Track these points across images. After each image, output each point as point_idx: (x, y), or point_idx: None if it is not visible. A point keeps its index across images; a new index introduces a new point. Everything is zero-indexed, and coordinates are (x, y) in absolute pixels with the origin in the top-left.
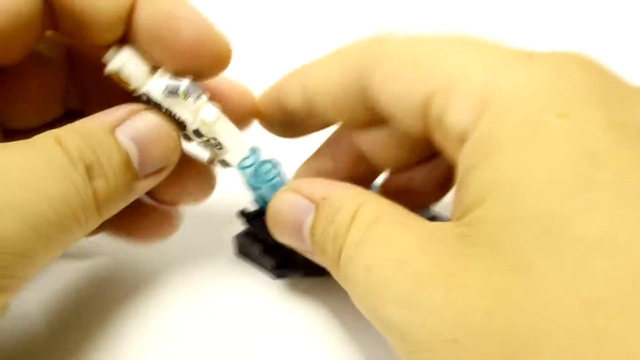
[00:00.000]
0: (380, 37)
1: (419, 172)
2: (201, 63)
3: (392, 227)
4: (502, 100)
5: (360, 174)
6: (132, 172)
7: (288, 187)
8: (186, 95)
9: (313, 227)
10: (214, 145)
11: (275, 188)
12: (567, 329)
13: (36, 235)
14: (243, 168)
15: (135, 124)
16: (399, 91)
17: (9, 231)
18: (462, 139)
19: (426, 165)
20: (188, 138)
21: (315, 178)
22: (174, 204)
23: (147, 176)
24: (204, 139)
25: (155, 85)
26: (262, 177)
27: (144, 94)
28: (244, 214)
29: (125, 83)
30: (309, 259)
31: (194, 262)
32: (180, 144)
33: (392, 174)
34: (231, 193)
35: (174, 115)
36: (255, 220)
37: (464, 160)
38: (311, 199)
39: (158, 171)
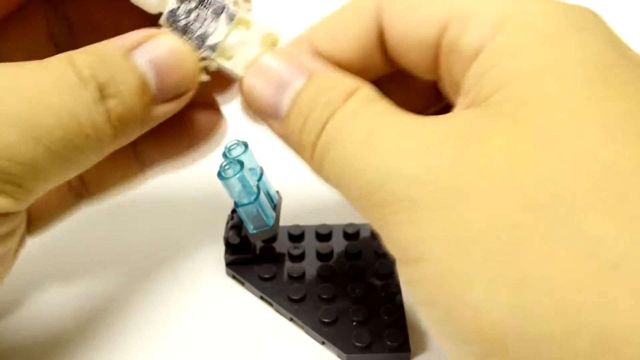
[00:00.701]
0: None
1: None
2: None
3: (395, 108)
4: (522, 19)
5: None
6: (149, 96)
7: (280, 50)
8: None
9: (300, 92)
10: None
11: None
12: (589, 189)
13: (41, 147)
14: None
15: (153, 47)
16: (415, 20)
17: (9, 140)
18: (476, 55)
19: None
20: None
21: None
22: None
23: (166, 101)
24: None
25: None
26: (248, 189)
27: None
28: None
29: None
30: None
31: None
32: (196, 62)
33: None
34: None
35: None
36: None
37: (475, 68)
38: (305, 68)
39: (178, 96)
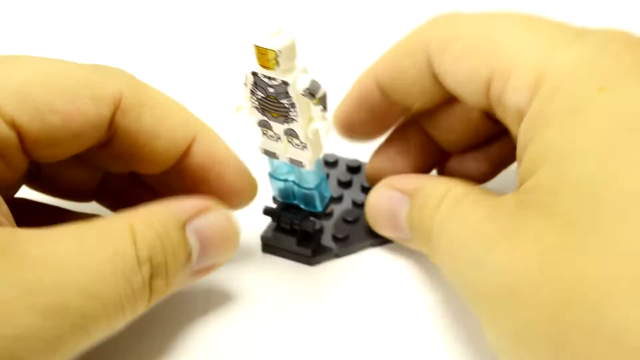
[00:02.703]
0: (443, 20)
1: (470, 159)
2: (236, 200)
3: (470, 205)
4: (552, 80)
5: (428, 157)
6: (190, 269)
7: (383, 183)
8: (319, 102)
9: (409, 215)
10: (299, 146)
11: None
12: (610, 276)
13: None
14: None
15: (205, 221)
16: (463, 74)
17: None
18: (520, 117)
19: (477, 154)
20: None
21: (405, 174)
22: None
23: (199, 271)
24: (297, 140)
25: (303, 78)
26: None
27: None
28: (270, 212)
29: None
30: (340, 240)
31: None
32: (238, 241)
33: (453, 157)
34: None
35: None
36: (284, 214)
37: (521, 137)
38: (405, 192)
39: (214, 267)
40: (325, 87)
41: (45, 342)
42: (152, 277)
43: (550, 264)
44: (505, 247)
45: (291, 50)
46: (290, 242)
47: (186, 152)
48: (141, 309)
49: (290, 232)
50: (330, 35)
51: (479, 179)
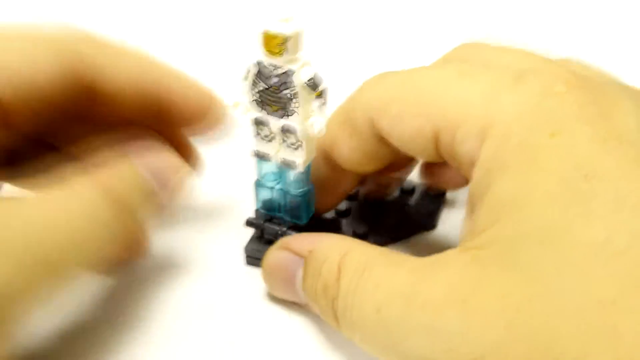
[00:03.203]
0: (375, 83)
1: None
2: (203, 122)
3: (387, 269)
4: (501, 126)
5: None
6: (154, 203)
7: (279, 245)
8: (319, 95)
9: (303, 281)
10: (292, 145)
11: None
12: (585, 331)
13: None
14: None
15: (153, 158)
16: (408, 134)
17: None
18: (472, 164)
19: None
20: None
21: (303, 233)
22: None
23: (162, 204)
24: (292, 138)
25: (307, 69)
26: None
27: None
28: (253, 223)
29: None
30: None
31: (204, 278)
32: (187, 169)
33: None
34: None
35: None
36: (267, 225)
37: (473, 187)
38: (300, 254)
39: (170, 197)
40: (326, 83)
41: (18, 288)
42: (120, 214)
43: (519, 323)
44: (460, 311)
45: (298, 38)
46: None
47: (143, 90)
48: (115, 248)
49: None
50: (330, 41)
51: (452, 186)
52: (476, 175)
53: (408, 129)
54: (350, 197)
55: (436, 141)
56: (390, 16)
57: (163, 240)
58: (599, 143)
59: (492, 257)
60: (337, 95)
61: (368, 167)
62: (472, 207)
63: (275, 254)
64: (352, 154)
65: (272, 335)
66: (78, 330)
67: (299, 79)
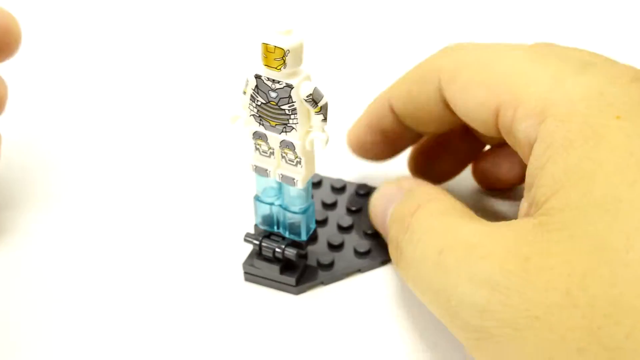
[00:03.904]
0: (452, 49)
1: (504, 162)
2: None
3: (458, 219)
4: (563, 107)
5: (467, 147)
6: None
7: (391, 181)
8: (319, 111)
9: (394, 208)
10: (292, 161)
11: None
12: None
13: None
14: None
15: None
16: (472, 103)
17: None
18: (530, 145)
19: (511, 158)
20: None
21: (414, 178)
22: None
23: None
24: (291, 155)
25: (307, 84)
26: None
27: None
28: (252, 239)
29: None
30: (325, 267)
31: (203, 296)
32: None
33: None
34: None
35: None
36: (266, 241)
37: (533, 161)
38: (403, 188)
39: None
40: (327, 98)
41: None
42: None
43: (579, 289)
44: (519, 267)
45: (299, 51)
46: (273, 270)
47: None
48: None
49: (273, 260)
50: (332, 49)
51: (504, 183)
52: (536, 150)
53: (472, 98)
54: (318, 223)
55: (497, 115)
56: (392, 22)
57: (161, 255)
58: None
59: (558, 222)
60: (337, 108)
61: (426, 127)
62: (530, 183)
63: (385, 186)
64: (416, 112)
65: (271, 352)
66: (75, 344)
67: (298, 95)
